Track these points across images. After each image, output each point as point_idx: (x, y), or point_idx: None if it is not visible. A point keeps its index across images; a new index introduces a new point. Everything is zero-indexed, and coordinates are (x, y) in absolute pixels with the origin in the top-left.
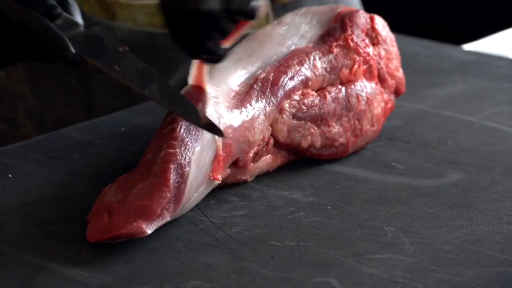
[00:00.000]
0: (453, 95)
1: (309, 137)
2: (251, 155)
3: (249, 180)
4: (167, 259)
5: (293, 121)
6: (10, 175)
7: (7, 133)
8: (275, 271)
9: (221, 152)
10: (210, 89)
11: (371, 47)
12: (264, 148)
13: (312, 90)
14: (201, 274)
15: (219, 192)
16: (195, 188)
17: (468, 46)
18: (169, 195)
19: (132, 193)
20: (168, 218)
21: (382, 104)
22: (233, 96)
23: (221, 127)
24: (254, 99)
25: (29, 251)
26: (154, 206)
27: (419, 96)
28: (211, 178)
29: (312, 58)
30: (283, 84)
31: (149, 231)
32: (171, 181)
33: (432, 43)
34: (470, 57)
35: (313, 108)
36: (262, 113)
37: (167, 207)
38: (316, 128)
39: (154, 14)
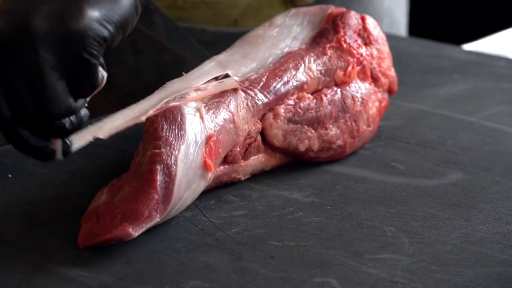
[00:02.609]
0: (453, 95)
1: (306, 140)
2: (238, 149)
3: (243, 178)
4: (167, 259)
5: (289, 125)
6: (10, 175)
7: None
8: (275, 271)
9: (211, 142)
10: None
11: (363, 47)
12: (253, 145)
13: (308, 93)
14: (201, 274)
15: (218, 192)
16: (185, 185)
17: (468, 46)
18: (156, 196)
19: (119, 196)
20: (158, 219)
21: (377, 103)
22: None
23: (205, 114)
24: (237, 91)
25: (29, 251)
26: (141, 209)
27: (419, 96)
28: (205, 169)
29: (307, 61)
30: (276, 88)
31: (136, 234)
32: (158, 182)
33: (432, 43)
34: (470, 57)
35: (310, 111)
36: (243, 103)
37: (155, 208)
38: (313, 131)
39: (169, 6)
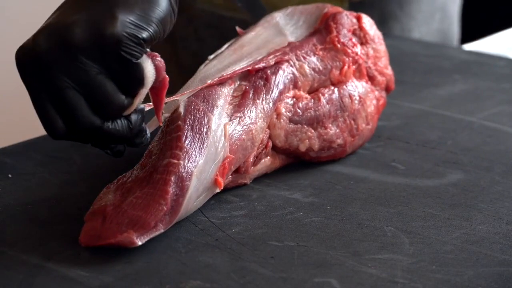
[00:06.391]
0: (453, 95)
1: (307, 140)
2: (251, 159)
3: (249, 183)
4: (167, 259)
5: (290, 125)
6: (10, 175)
7: None
8: (275, 271)
9: (226, 162)
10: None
11: (358, 46)
12: (263, 151)
13: (304, 91)
14: (201, 274)
15: (219, 192)
16: (194, 199)
17: (468, 46)
18: (165, 208)
19: (128, 200)
20: (162, 230)
21: (375, 101)
22: (231, 100)
23: (228, 134)
24: (251, 101)
25: (29, 251)
26: (148, 218)
27: (419, 96)
28: (215, 185)
29: (301, 58)
30: (275, 82)
31: (140, 243)
32: (170, 194)
33: (432, 43)
34: (470, 57)
35: (308, 111)
36: (261, 112)
37: (162, 219)
38: (313, 131)
39: None
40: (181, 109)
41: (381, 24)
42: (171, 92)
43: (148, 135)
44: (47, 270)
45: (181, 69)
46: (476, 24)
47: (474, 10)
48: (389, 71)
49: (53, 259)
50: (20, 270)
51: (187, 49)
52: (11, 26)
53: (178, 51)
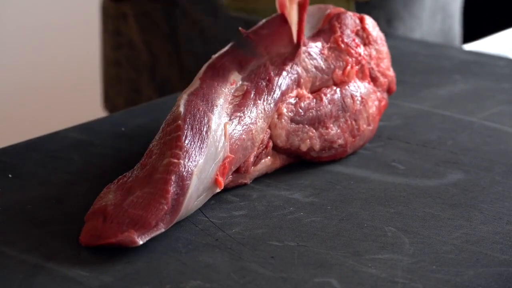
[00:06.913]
0: (453, 95)
1: (308, 140)
2: (252, 159)
3: (249, 182)
4: (167, 259)
5: (291, 125)
6: (10, 175)
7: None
8: (275, 271)
9: (226, 161)
10: None
11: (362, 47)
12: (264, 151)
13: (306, 89)
14: (201, 274)
15: (219, 192)
16: (194, 199)
17: (468, 46)
18: (166, 208)
19: (129, 199)
20: (163, 230)
21: (376, 102)
22: (231, 100)
23: (228, 133)
24: (252, 101)
25: (29, 251)
26: (149, 218)
27: (419, 96)
28: (215, 185)
29: (304, 58)
30: (278, 84)
31: (141, 242)
32: (170, 193)
33: (432, 43)
34: (470, 57)
35: (310, 110)
36: (262, 113)
37: (163, 218)
38: (314, 131)
39: None
40: (181, 109)
41: (387, 25)
42: (171, 94)
43: None
44: (47, 270)
45: (183, 71)
46: (476, 24)
47: (475, 9)
48: (391, 72)
49: (53, 259)
50: (20, 270)
51: (192, 51)
52: (11, 26)
53: (181, 52)
